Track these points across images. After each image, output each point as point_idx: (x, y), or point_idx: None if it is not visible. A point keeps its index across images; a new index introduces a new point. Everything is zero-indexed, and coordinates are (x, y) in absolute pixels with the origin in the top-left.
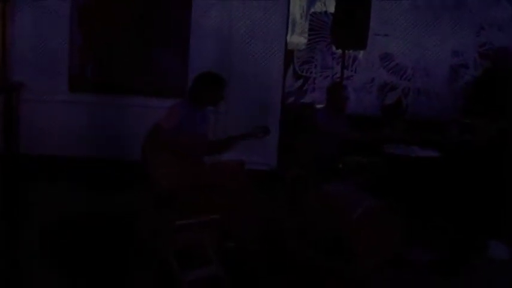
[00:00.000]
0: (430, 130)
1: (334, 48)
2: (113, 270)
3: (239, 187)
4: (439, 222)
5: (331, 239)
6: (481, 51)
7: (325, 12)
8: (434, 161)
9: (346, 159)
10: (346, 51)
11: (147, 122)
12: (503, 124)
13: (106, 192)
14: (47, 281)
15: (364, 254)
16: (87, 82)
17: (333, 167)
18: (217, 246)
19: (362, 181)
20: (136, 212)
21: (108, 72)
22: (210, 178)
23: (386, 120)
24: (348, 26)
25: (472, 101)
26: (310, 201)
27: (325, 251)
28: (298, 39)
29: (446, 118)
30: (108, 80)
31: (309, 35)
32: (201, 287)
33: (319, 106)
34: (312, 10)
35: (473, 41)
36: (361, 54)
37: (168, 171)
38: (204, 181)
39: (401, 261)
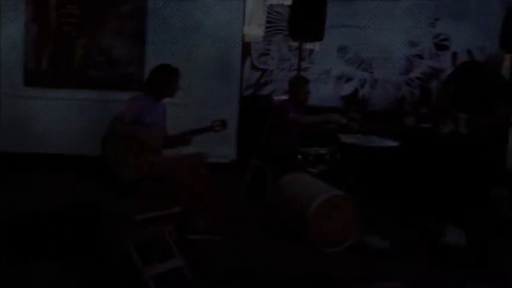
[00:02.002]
0: (387, 120)
1: (291, 40)
2: (72, 263)
3: (199, 179)
4: (397, 210)
5: (291, 230)
6: (436, 41)
7: (282, 4)
8: (393, 150)
9: (304, 150)
10: (303, 43)
11: (104, 116)
12: (492, 117)
13: (64, 186)
14: (4, 274)
15: (322, 243)
16: (42, 76)
17: (292, 158)
18: (179, 239)
19: (321, 172)
20: (96, 205)
21: (64, 65)
22: (170, 170)
23: (344, 111)
24: (305, 18)
25: (452, 94)
26: (270, 192)
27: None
28: (255, 31)
29: (403, 108)
30: (64, 73)
31: (266, 27)
32: (164, 281)
33: (276, 98)
34: (269, 2)
35: (428, 32)
36: (317, 46)
37: (128, 163)
38: (164, 173)
39: (361, 249)
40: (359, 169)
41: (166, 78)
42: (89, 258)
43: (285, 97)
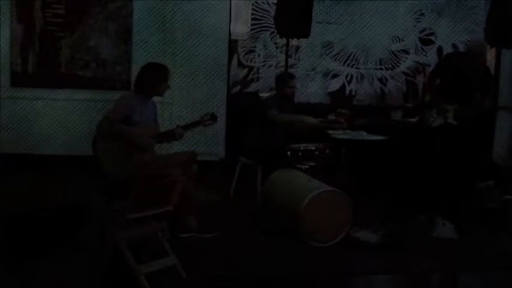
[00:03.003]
0: (374, 115)
1: (277, 37)
2: (64, 263)
3: (191, 178)
4: (388, 203)
5: (282, 225)
6: (422, 36)
7: (267, 1)
8: (381, 144)
9: (294, 147)
10: (290, 39)
11: (92, 116)
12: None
13: (55, 186)
14: None
15: (313, 238)
16: (29, 77)
17: (281, 154)
18: (171, 237)
19: (310, 167)
20: (88, 205)
21: (51, 66)
22: (163, 168)
23: (332, 107)
24: (291, 14)
25: (438, 87)
26: (261, 189)
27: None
28: (241, 28)
29: (390, 103)
30: (51, 74)
31: (252, 25)
32: (157, 279)
33: (264, 95)
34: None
35: (413, 27)
36: (303, 42)
37: (119, 162)
38: (156, 171)
39: (352, 243)
40: (348, 164)
41: (155, 77)
42: (82, 258)
43: (271, 94)
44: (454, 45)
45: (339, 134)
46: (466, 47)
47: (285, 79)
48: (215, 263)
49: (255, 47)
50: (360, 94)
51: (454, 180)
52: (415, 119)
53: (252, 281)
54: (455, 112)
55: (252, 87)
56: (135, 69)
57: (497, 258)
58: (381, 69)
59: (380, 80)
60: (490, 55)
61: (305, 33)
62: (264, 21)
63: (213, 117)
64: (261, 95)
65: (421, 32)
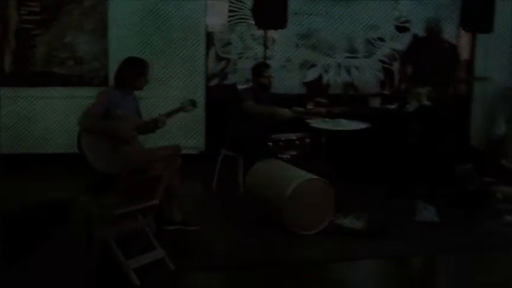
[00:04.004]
0: (352, 103)
1: (254, 28)
2: (52, 260)
3: (175, 171)
4: (370, 189)
5: (267, 215)
6: (397, 24)
7: None
8: (361, 132)
9: (275, 137)
10: (267, 31)
11: (70, 113)
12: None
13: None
14: None
15: (298, 226)
16: (6, 75)
17: (262, 145)
18: (156, 230)
19: (291, 157)
20: (74, 200)
21: (27, 64)
22: (147, 162)
23: (309, 97)
24: (268, 6)
25: (409, 72)
26: (242, 181)
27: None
28: (217, 21)
29: (367, 91)
30: (27, 72)
31: (229, 17)
32: (146, 273)
33: (242, 87)
34: None
35: (389, 14)
36: (278, 34)
37: (106, 156)
38: (141, 165)
39: (335, 229)
40: (329, 152)
41: (135, 71)
42: (70, 254)
43: (247, 86)
44: None
45: (318, 123)
46: (425, 29)
47: (260, 69)
48: (202, 254)
49: (232, 39)
50: (336, 83)
51: (433, 164)
52: (393, 106)
53: (239, 271)
54: (428, 94)
55: (230, 80)
56: (112, 65)
57: (481, 238)
58: (357, 57)
59: (357, 68)
60: (465, 40)
61: (282, 24)
62: (240, 13)
63: (193, 103)
64: (238, 87)
65: (396, 19)
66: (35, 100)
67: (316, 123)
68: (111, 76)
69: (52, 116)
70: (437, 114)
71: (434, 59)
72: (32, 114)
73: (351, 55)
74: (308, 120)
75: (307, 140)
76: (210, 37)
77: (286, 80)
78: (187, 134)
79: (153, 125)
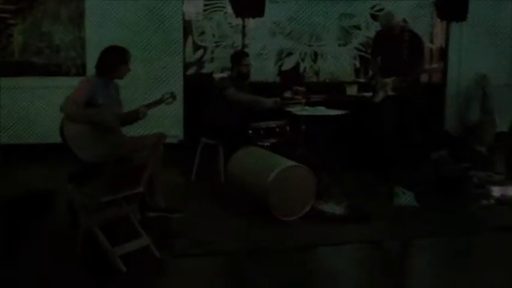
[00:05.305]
0: (329, 91)
1: (232, 16)
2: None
3: (158, 159)
4: (350, 175)
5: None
6: (373, 12)
7: None
8: (339, 118)
9: (255, 125)
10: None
11: (47, 103)
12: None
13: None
14: None
15: (280, 213)
16: None
17: (242, 133)
18: (141, 218)
19: (272, 144)
20: (57, 189)
21: (4, 54)
22: (132, 150)
23: (287, 85)
24: None
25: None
26: (223, 169)
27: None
28: (194, 9)
29: (344, 79)
30: (4, 62)
31: (205, 5)
32: (131, 260)
33: (218, 75)
34: None
35: (364, 3)
36: (257, 21)
37: (91, 144)
38: (125, 153)
39: (317, 214)
40: (309, 139)
41: (116, 59)
42: (55, 243)
43: (227, 74)
44: (404, 20)
45: (298, 111)
46: (380, 25)
47: (239, 58)
48: (185, 242)
49: (209, 27)
50: (313, 71)
51: (408, 150)
52: (370, 94)
53: (223, 258)
54: (393, 84)
55: (207, 68)
56: (90, 54)
57: (459, 222)
58: (334, 45)
59: (333, 56)
60: (439, 28)
61: (260, 12)
62: (217, 1)
63: (173, 96)
64: (215, 75)
65: (372, 7)
66: (12, 90)
67: (296, 110)
68: (89, 65)
69: (29, 106)
70: (408, 102)
71: (397, 50)
72: (9, 104)
73: (326, 43)
74: (288, 109)
75: (287, 128)
76: (187, 25)
77: (264, 69)
78: (165, 123)
79: (134, 116)
